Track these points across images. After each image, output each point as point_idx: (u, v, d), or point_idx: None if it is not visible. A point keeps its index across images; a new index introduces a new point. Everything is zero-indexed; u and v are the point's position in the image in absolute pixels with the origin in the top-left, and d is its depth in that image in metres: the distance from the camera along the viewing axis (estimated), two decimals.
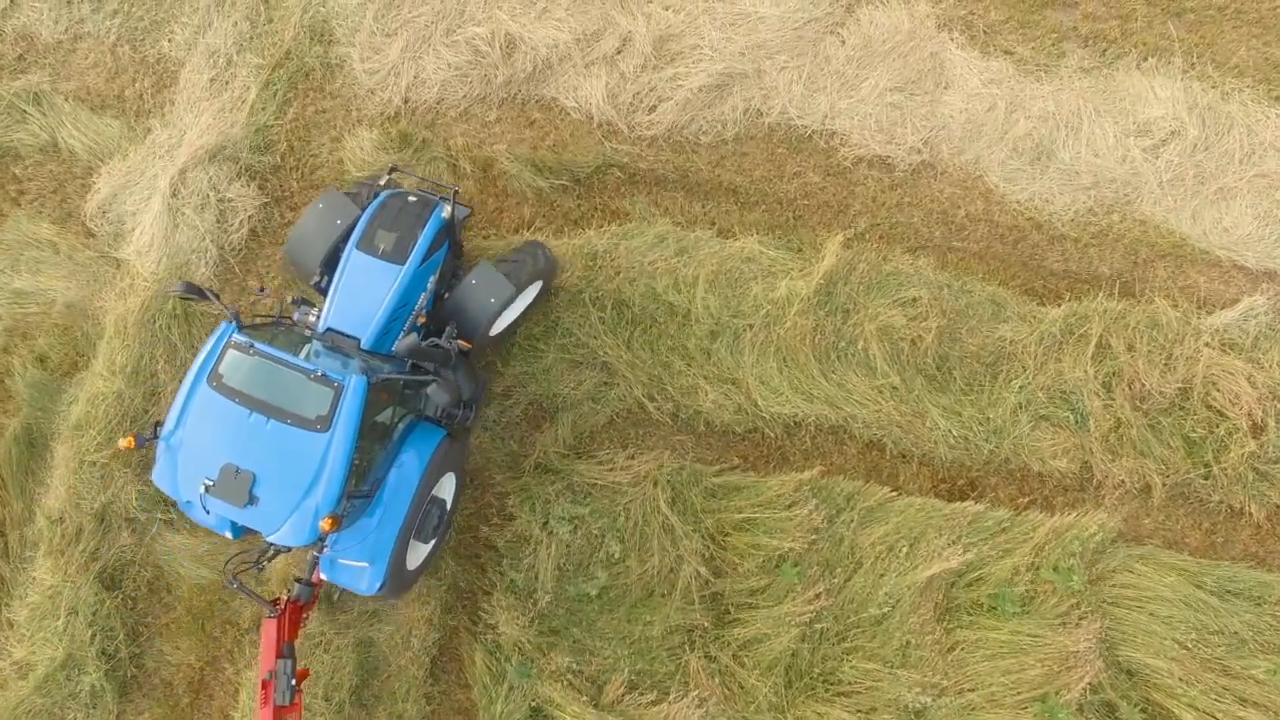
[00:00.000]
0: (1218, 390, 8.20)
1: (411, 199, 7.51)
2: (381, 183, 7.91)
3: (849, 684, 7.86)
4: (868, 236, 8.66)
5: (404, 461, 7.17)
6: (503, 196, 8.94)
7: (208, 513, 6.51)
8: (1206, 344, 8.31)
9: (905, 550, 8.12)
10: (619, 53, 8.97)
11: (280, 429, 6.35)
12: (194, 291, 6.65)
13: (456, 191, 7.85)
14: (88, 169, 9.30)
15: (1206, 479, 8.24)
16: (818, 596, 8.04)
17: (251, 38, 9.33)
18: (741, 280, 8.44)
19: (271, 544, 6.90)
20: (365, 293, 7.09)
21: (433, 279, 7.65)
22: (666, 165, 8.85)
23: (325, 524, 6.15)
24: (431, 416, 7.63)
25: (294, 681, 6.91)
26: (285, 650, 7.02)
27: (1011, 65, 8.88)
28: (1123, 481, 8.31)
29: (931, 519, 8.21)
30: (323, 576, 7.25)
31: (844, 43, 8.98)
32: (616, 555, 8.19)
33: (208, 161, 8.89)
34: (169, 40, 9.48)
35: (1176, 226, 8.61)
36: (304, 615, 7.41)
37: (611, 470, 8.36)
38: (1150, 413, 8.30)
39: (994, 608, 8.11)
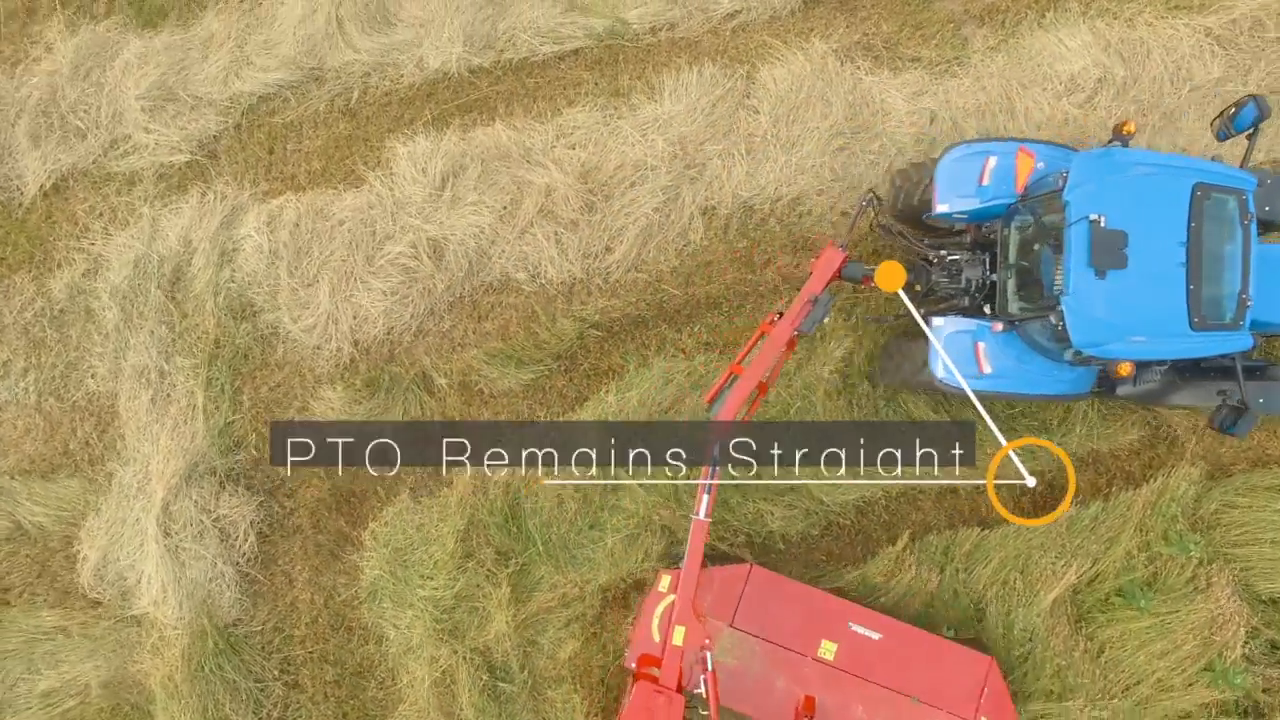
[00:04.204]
0: None
1: None
2: None
3: None
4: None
5: (1078, 374, 7.27)
6: (492, 401, 8.50)
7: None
8: None
9: (1019, 582, 7.99)
10: (544, 209, 8.58)
11: (1181, 276, 6.54)
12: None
13: None
14: (65, 540, 8.64)
15: None
16: None
17: (173, 340, 8.73)
18: None
19: (1054, 304, 6.69)
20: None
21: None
22: (639, 305, 8.47)
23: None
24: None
25: (825, 319, 7.03)
26: (830, 289, 7.11)
27: (924, 71, 8.67)
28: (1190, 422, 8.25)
29: (1030, 541, 8.08)
30: (935, 327, 7.29)
31: (758, 112, 8.69)
32: None
33: (185, 486, 8.33)
34: (92, 377, 8.82)
35: None
36: (833, 279, 7.23)
37: None
38: None
39: (1124, 598, 8.02)
